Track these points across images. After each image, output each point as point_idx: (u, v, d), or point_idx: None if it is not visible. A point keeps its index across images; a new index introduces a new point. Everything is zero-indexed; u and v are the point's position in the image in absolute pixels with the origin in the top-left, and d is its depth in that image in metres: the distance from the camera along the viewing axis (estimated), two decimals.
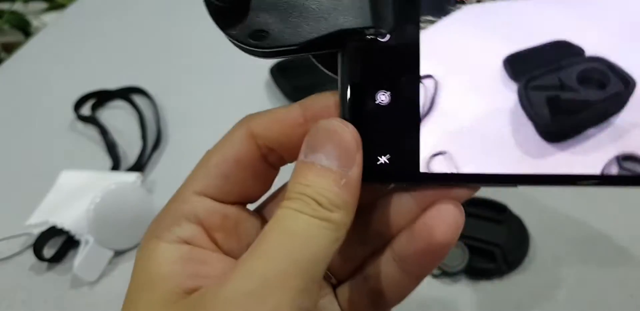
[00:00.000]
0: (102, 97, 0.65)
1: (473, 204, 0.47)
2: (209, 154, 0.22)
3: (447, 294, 0.42)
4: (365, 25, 0.20)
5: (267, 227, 0.19)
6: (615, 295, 0.42)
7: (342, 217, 0.19)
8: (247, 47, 0.20)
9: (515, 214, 0.46)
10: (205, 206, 0.21)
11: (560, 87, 0.19)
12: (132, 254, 0.47)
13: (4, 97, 0.68)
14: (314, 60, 0.22)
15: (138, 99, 0.65)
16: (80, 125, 0.62)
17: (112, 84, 0.66)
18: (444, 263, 0.42)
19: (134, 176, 0.50)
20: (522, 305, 0.41)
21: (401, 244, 0.21)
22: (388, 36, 0.20)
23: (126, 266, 0.46)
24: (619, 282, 0.43)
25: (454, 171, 0.19)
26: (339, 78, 0.21)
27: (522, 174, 0.19)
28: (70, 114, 0.62)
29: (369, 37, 0.20)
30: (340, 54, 0.20)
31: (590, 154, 0.19)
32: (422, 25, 0.19)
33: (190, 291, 0.19)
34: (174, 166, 0.57)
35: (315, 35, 0.19)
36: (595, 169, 0.19)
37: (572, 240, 0.46)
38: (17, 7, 1.22)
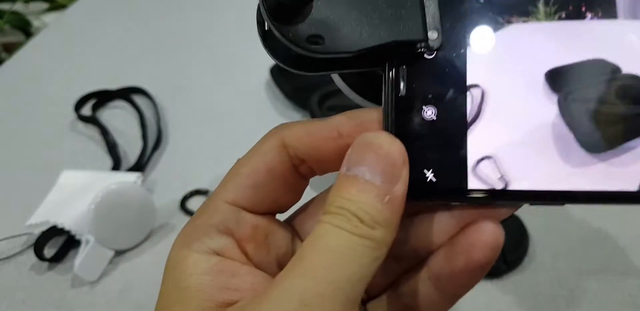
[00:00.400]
0: (102, 98, 0.65)
1: None
2: (240, 163, 0.21)
3: None
4: (418, 38, 0.20)
5: (305, 243, 0.18)
6: (615, 295, 0.42)
7: (384, 235, 0.18)
8: (302, 50, 0.19)
9: (515, 214, 0.46)
10: (237, 217, 0.21)
11: (598, 101, 0.20)
12: (133, 254, 0.47)
13: (5, 97, 0.68)
14: (343, 86, 0.22)
15: (138, 99, 0.65)
16: (80, 125, 0.62)
17: (113, 84, 0.66)
18: None
19: (134, 176, 0.50)
20: (522, 305, 0.41)
21: (438, 262, 0.21)
22: (436, 51, 0.20)
23: (127, 265, 0.46)
24: (618, 282, 0.43)
25: (500, 176, 0.20)
26: (383, 92, 0.20)
27: (571, 191, 0.19)
28: (71, 114, 0.63)
29: (419, 50, 0.20)
30: (387, 67, 0.20)
31: (629, 166, 0.19)
32: (470, 41, 0.20)
33: (221, 305, 0.19)
34: (175, 166, 0.57)
35: (370, 44, 0.19)
36: (634, 181, 0.19)
37: (571, 240, 0.46)
38: (18, 7, 1.22)
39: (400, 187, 0.18)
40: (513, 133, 0.20)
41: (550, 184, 0.20)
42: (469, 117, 0.20)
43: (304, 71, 0.21)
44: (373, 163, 0.18)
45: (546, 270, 0.44)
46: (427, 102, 0.20)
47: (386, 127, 0.20)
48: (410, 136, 0.20)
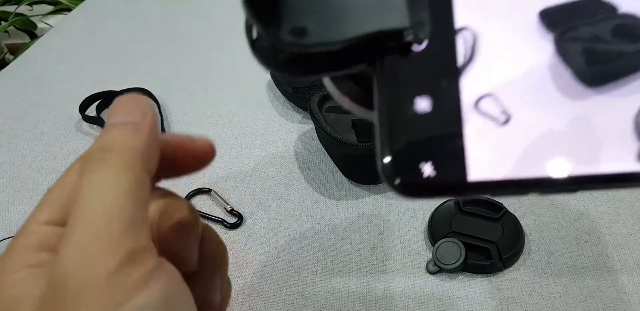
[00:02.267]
0: (107, 98, 0.66)
1: (470, 203, 0.48)
2: (51, 188, 0.23)
3: (444, 290, 0.43)
4: (404, 26, 0.19)
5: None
6: (608, 292, 0.43)
7: (119, 157, 0.19)
8: (287, 44, 0.19)
9: (511, 213, 0.47)
10: (57, 233, 0.21)
11: (595, 39, 0.20)
12: None
13: (10, 98, 0.69)
14: (335, 91, 0.23)
15: None
16: (85, 125, 0.63)
17: (117, 85, 0.67)
18: (441, 260, 0.43)
19: None
20: (517, 301, 0.42)
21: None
22: (425, 42, 0.20)
23: None
24: (611, 279, 0.44)
25: (503, 116, 0.19)
26: (375, 88, 0.20)
27: (584, 176, 0.19)
28: (76, 115, 0.63)
29: (407, 39, 0.19)
30: (378, 63, 0.20)
31: (626, 98, 0.19)
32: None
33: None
34: None
35: (356, 33, 0.19)
36: (631, 112, 0.19)
37: (566, 238, 0.47)
38: (23, 9, 1.23)
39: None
40: (510, 72, 0.20)
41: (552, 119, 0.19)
42: (465, 58, 0.20)
43: (293, 74, 0.21)
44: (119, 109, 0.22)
45: (541, 267, 0.45)
46: (420, 94, 0.19)
47: (379, 125, 0.20)
48: (405, 130, 0.19)
